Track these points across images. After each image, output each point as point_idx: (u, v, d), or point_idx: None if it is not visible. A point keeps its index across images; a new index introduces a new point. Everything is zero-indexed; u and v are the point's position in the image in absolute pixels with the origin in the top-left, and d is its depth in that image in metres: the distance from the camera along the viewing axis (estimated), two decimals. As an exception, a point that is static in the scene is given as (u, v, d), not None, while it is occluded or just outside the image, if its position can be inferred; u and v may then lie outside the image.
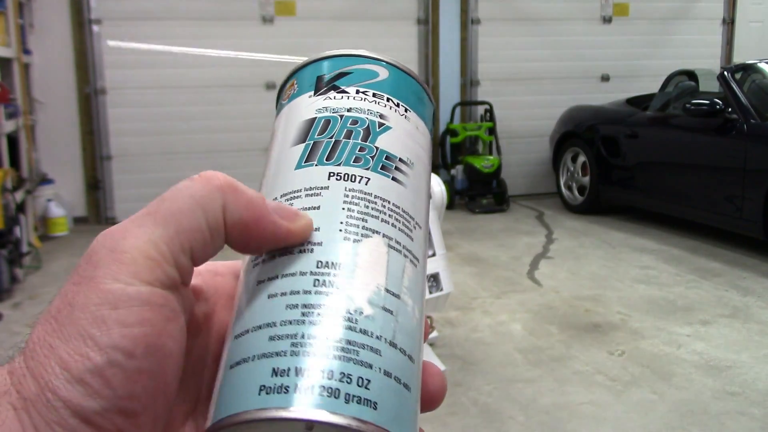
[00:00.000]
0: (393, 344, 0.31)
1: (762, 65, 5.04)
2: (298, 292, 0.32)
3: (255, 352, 0.31)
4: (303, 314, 0.31)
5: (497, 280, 4.23)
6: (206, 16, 6.13)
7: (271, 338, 0.31)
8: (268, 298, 0.32)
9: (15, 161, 4.84)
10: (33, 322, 0.30)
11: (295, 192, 0.35)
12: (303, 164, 0.36)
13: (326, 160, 0.35)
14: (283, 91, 0.42)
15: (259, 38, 6.26)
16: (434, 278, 2.67)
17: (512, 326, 3.46)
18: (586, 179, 6.09)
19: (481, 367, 2.98)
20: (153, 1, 6.03)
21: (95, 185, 6.09)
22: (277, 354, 0.30)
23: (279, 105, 0.42)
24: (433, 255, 2.68)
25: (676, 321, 3.49)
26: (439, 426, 2.51)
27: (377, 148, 0.36)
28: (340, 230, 0.33)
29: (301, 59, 0.42)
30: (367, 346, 0.30)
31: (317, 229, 0.33)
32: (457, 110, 6.82)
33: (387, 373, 0.30)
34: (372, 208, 0.34)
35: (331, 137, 0.36)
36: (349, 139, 0.36)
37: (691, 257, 4.65)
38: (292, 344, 0.30)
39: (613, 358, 3.06)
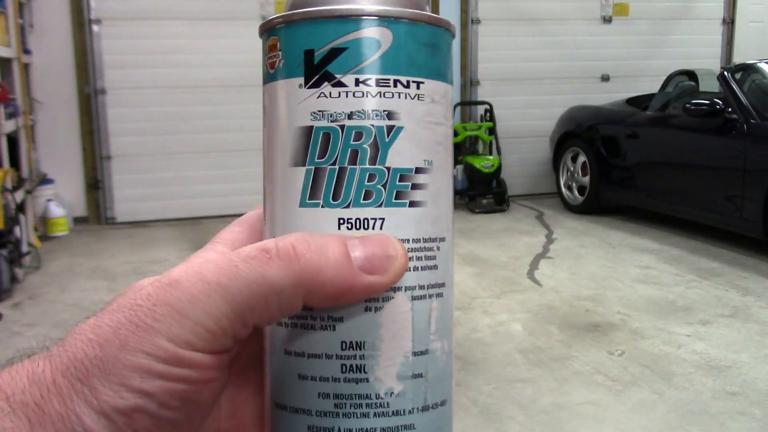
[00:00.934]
0: (425, 408, 0.32)
1: (762, 65, 5.04)
2: (327, 380, 0.31)
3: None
4: (336, 405, 0.31)
5: (497, 280, 4.23)
6: (206, 16, 6.13)
7: (310, 428, 0.31)
8: (299, 378, 0.32)
9: (15, 161, 4.83)
10: (72, 329, 0.30)
11: None
12: (307, 202, 0.32)
13: (332, 200, 0.32)
14: (264, 47, 0.36)
15: (259, 38, 6.25)
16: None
17: (512, 326, 3.46)
18: (586, 179, 6.09)
19: (481, 367, 2.98)
20: (153, 1, 6.03)
21: (95, 185, 6.09)
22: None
23: (264, 70, 0.36)
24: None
25: (676, 321, 3.49)
26: (439, 426, 2.51)
27: (389, 169, 0.32)
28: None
29: None
30: (401, 426, 0.31)
31: None
32: (457, 110, 6.82)
33: None
34: None
35: (334, 163, 0.32)
36: (355, 164, 0.32)
37: (691, 257, 4.65)
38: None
39: (613, 358, 3.06)
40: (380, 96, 0.32)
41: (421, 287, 0.32)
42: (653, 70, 6.98)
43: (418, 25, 0.33)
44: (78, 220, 6.02)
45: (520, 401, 2.67)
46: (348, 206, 0.31)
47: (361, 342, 0.31)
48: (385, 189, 0.32)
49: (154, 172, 6.15)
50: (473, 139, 6.79)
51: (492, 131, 6.70)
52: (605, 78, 7.33)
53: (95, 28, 5.92)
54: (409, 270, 0.32)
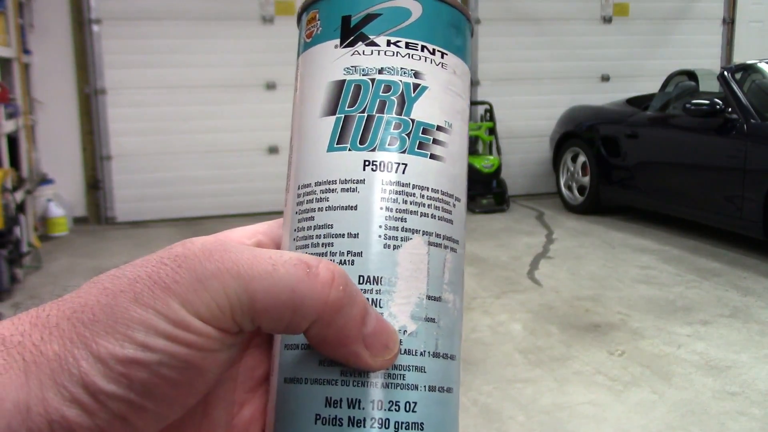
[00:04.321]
0: (436, 354, 0.32)
1: (762, 65, 5.04)
2: None
3: (306, 375, 0.31)
4: None
5: (497, 280, 4.23)
6: (206, 16, 6.13)
7: (321, 362, 0.31)
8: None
9: (15, 161, 4.83)
10: (94, 275, 0.30)
11: (330, 183, 0.33)
12: (335, 146, 0.34)
13: (360, 143, 0.33)
14: (303, 24, 0.38)
15: (259, 38, 6.26)
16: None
17: (512, 326, 3.46)
18: (586, 179, 6.09)
19: (481, 367, 2.98)
20: (153, 1, 6.03)
21: (95, 185, 6.09)
22: (328, 382, 0.31)
23: (301, 42, 0.38)
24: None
25: (676, 321, 3.49)
26: (439, 426, 2.51)
27: (413, 120, 0.34)
28: (380, 236, 0.32)
29: None
30: (412, 366, 0.31)
31: (356, 236, 0.32)
32: (457, 110, 6.82)
33: (431, 388, 0.31)
34: (411, 203, 0.33)
35: (363, 111, 0.34)
36: (383, 113, 0.34)
37: (691, 257, 4.65)
38: (342, 372, 0.31)
39: (613, 358, 3.06)
40: (409, 57, 0.34)
41: (438, 236, 0.33)
42: (653, 70, 6.98)
43: (444, 5, 0.36)
44: (78, 220, 6.02)
45: (520, 401, 2.67)
46: (374, 150, 0.33)
47: (378, 277, 0.32)
48: (408, 138, 0.33)
49: (154, 172, 6.15)
50: (473, 139, 6.78)
51: (492, 131, 6.70)
52: (605, 78, 7.33)
53: (95, 28, 5.92)
54: (427, 216, 0.33)
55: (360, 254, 0.32)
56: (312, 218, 0.34)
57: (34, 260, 4.67)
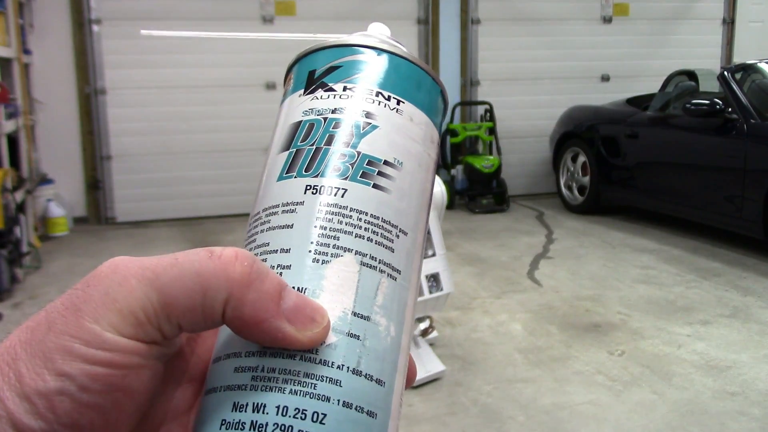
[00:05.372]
0: (357, 372, 0.31)
1: (762, 65, 5.04)
2: None
3: (221, 383, 0.31)
4: (260, 351, 0.31)
5: (497, 280, 4.23)
6: (206, 16, 6.13)
7: (236, 369, 0.31)
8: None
9: (15, 161, 4.84)
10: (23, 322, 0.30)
11: (274, 207, 0.35)
12: (284, 176, 0.35)
13: (305, 171, 0.35)
14: (285, 84, 0.41)
15: (259, 38, 6.26)
16: (434, 278, 2.67)
17: (512, 326, 3.46)
18: (586, 179, 6.09)
19: (481, 367, 2.98)
20: (153, 1, 6.03)
21: (95, 185, 6.09)
22: (239, 387, 0.30)
23: (282, 99, 0.41)
24: (433, 255, 2.68)
25: (676, 321, 3.49)
26: (439, 426, 2.51)
27: (359, 153, 0.35)
28: (310, 251, 0.33)
29: (322, 39, 0.41)
30: (326, 377, 0.30)
31: (288, 251, 0.33)
32: (457, 110, 6.82)
33: (347, 404, 0.30)
34: (346, 224, 0.33)
35: (313, 144, 0.35)
36: (331, 145, 0.35)
37: (691, 257, 4.65)
38: (252, 377, 0.30)
39: (613, 358, 3.06)
40: (363, 100, 0.36)
41: (373, 258, 0.33)
42: (653, 70, 6.98)
43: (404, 60, 0.38)
44: (78, 220, 6.02)
45: (520, 401, 2.67)
46: (317, 176, 0.34)
47: (302, 288, 0.32)
48: (352, 167, 0.34)
49: (154, 172, 6.15)
50: (473, 139, 6.79)
51: (492, 131, 6.70)
52: (605, 78, 7.33)
53: (95, 28, 5.92)
54: (362, 238, 0.33)
55: (289, 267, 0.32)
56: (254, 240, 0.35)
57: (34, 260, 4.67)
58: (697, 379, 2.84)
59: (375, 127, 0.36)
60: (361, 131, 0.35)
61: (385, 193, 0.35)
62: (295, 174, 0.35)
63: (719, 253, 4.72)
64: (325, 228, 0.33)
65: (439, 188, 2.93)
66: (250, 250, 0.34)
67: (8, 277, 3.97)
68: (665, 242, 5.06)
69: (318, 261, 0.32)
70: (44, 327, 0.28)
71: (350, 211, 0.34)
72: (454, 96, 6.86)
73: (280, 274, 0.32)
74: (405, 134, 0.37)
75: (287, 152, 0.36)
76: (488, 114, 6.74)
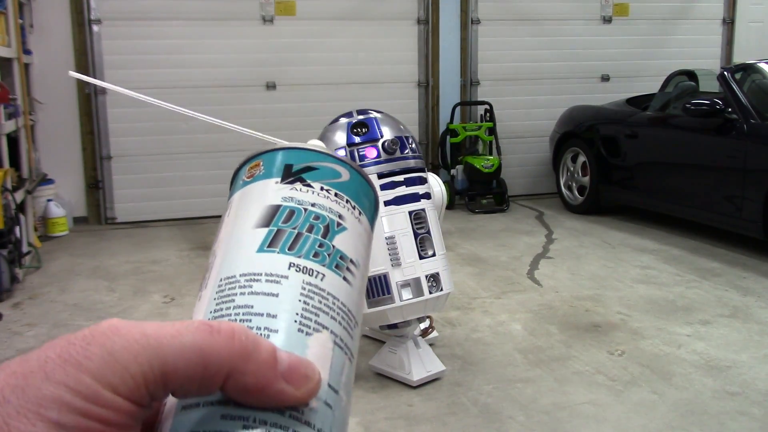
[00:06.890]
0: None
1: (762, 65, 5.04)
2: None
3: (205, 428, 0.32)
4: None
5: (497, 280, 4.23)
6: (206, 16, 6.13)
7: (223, 417, 0.32)
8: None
9: (15, 161, 4.83)
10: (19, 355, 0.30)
11: (256, 275, 0.37)
12: (265, 249, 0.38)
13: (288, 249, 0.38)
14: (244, 170, 0.44)
15: (259, 38, 6.26)
16: (434, 278, 2.67)
17: (512, 326, 3.46)
18: (586, 179, 6.09)
19: (481, 367, 2.98)
20: (153, 1, 6.03)
21: (95, 185, 6.09)
22: None
23: (238, 182, 0.44)
24: (433, 255, 2.68)
25: (676, 321, 3.49)
26: (439, 426, 2.51)
27: (334, 246, 0.39)
28: (295, 321, 0.35)
29: (274, 140, 0.46)
30: None
31: (275, 316, 0.35)
32: (457, 110, 6.82)
33: None
34: (324, 304, 0.37)
35: (295, 228, 0.39)
36: (311, 233, 0.39)
37: (691, 257, 4.65)
38: (244, 426, 0.32)
39: (613, 358, 3.06)
40: (336, 203, 0.41)
41: (342, 340, 0.37)
42: (653, 70, 6.98)
43: (366, 182, 0.44)
44: (78, 220, 6.02)
45: (520, 401, 2.67)
46: (300, 257, 0.38)
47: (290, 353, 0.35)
48: (329, 257, 0.38)
49: (154, 172, 6.15)
50: (473, 139, 6.79)
51: (492, 131, 6.70)
52: (605, 78, 7.33)
53: (95, 28, 5.92)
54: (336, 321, 0.37)
55: (276, 331, 0.35)
56: (232, 300, 0.36)
57: (34, 260, 4.67)
58: (697, 379, 2.84)
59: (345, 228, 0.40)
60: (335, 229, 0.40)
61: (351, 287, 0.39)
62: (277, 250, 0.38)
63: (719, 253, 4.72)
64: (308, 304, 0.36)
65: (439, 188, 2.93)
66: (227, 308, 0.36)
67: (8, 277, 3.97)
68: (665, 242, 5.06)
69: (302, 331, 0.35)
70: (40, 375, 0.28)
71: (327, 294, 0.37)
72: (454, 96, 6.86)
73: (267, 336, 0.34)
74: (362, 242, 0.42)
75: (267, 229, 0.39)
76: (488, 114, 6.74)
